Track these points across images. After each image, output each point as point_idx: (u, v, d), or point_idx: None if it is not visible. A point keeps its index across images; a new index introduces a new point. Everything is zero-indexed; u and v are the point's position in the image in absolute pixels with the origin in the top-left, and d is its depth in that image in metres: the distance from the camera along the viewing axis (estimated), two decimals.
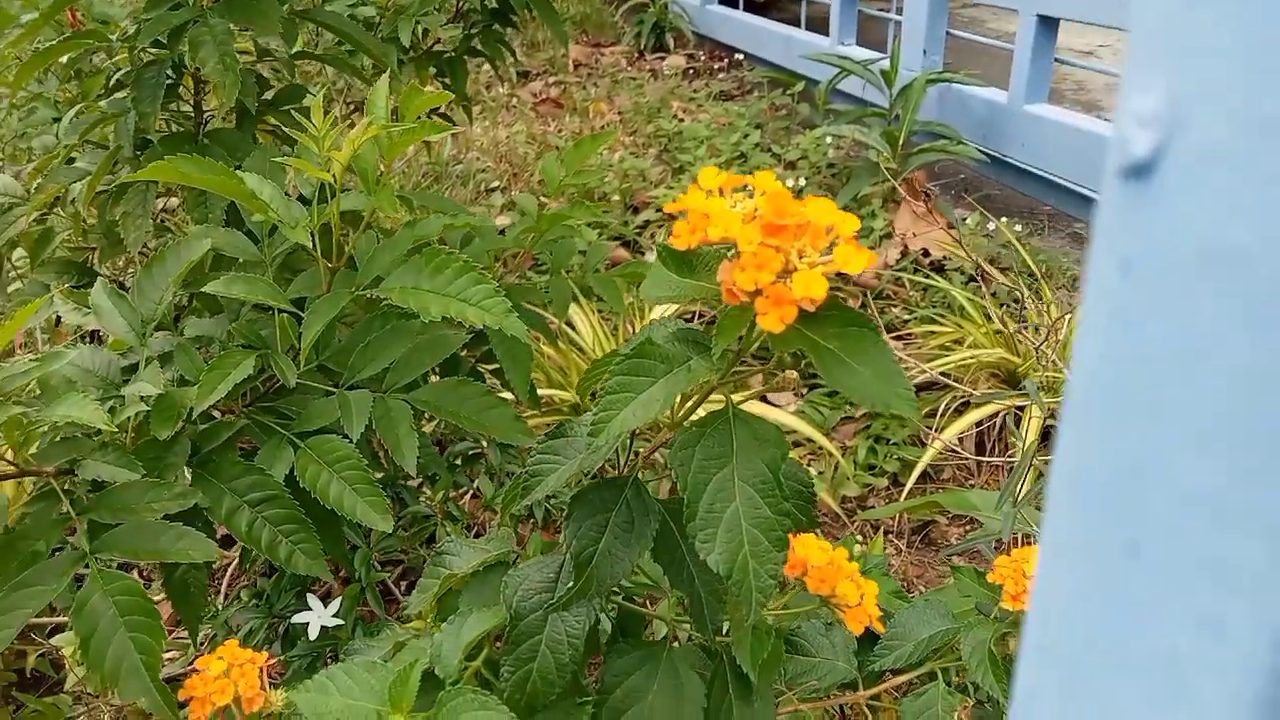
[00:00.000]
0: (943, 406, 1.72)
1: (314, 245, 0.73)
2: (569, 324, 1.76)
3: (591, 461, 0.49)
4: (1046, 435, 1.54)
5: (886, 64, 2.64)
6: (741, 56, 3.83)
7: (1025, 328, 1.68)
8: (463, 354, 1.01)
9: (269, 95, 1.03)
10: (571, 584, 0.48)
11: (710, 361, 0.46)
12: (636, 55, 3.95)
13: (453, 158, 2.69)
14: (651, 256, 2.28)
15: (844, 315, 0.44)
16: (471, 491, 1.22)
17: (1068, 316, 1.48)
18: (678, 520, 0.52)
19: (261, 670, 0.62)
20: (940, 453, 1.64)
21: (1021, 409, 1.62)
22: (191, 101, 1.00)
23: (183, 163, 0.69)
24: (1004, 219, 2.22)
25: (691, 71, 3.74)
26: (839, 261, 0.42)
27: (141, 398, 0.70)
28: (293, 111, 0.92)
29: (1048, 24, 2.43)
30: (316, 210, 0.76)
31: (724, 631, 0.56)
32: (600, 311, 1.80)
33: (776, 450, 0.46)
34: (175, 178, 0.69)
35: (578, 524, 0.49)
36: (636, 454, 0.58)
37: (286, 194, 0.78)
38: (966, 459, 1.61)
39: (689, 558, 0.52)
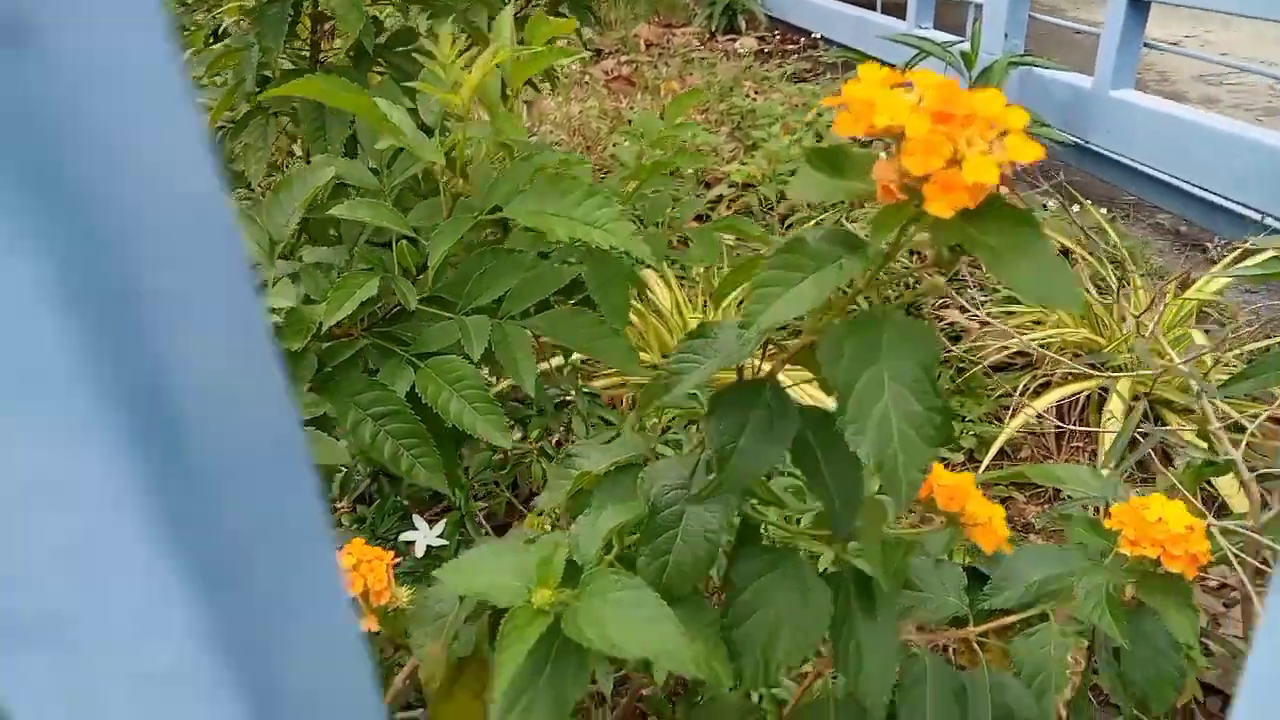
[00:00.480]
0: (1021, 386, 1.69)
1: (442, 168, 0.75)
2: (648, 289, 1.77)
3: (740, 355, 0.49)
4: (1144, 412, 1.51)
5: (966, 46, 2.60)
6: (817, 38, 3.80)
7: (1113, 307, 1.64)
8: (553, 300, 1.03)
9: (382, 39, 1.05)
10: (712, 477, 0.49)
11: (863, 260, 0.47)
12: (708, 36, 3.94)
13: (528, 130, 2.72)
14: None
15: (1006, 212, 0.44)
16: (558, 438, 1.24)
17: (1167, 295, 1.45)
18: (814, 427, 0.53)
19: (388, 566, 0.64)
20: (1018, 431, 1.61)
21: (1104, 389, 1.59)
22: (308, 41, 1.03)
23: (320, 80, 0.71)
24: (1087, 204, 2.18)
25: (764, 53, 3.72)
26: (1010, 151, 0.42)
27: (273, 310, 0.72)
28: (419, 44, 0.94)
29: (1138, 7, 2.38)
30: (439, 139, 0.78)
31: (851, 545, 0.57)
32: (680, 278, 1.81)
33: (928, 349, 0.46)
34: (312, 93, 0.71)
35: (718, 421, 0.50)
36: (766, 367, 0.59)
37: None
38: (1047, 432, 1.59)
39: (825, 466, 0.52)
